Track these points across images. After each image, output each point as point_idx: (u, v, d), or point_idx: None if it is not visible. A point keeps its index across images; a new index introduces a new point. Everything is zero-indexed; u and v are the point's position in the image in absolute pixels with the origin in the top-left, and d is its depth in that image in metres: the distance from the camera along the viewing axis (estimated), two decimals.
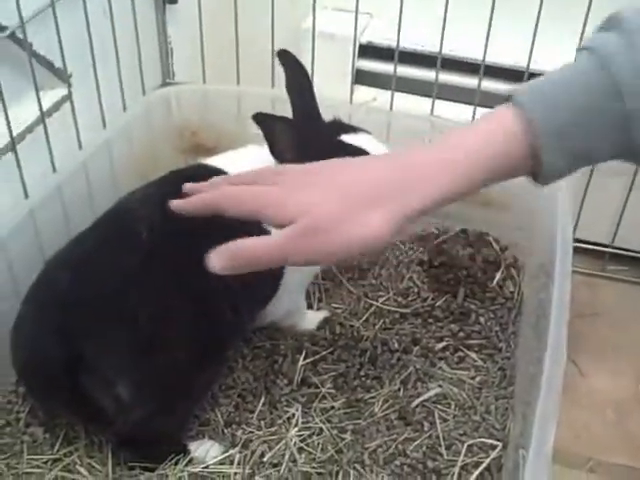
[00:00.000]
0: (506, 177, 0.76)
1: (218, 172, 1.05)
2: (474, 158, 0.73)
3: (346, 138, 1.06)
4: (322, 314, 1.25)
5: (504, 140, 0.73)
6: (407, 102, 1.49)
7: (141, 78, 1.47)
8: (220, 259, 0.73)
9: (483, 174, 0.74)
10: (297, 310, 1.21)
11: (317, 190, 0.76)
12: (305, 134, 1.03)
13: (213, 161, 1.12)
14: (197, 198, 0.79)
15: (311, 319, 1.24)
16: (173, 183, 1.06)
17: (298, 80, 1.07)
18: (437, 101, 1.43)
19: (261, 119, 1.00)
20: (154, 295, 0.96)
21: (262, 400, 1.12)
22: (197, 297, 0.98)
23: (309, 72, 1.42)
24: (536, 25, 1.29)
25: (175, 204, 0.79)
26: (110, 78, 1.38)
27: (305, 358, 1.17)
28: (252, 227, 0.87)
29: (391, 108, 1.45)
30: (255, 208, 0.76)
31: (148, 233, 0.98)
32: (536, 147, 0.72)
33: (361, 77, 1.54)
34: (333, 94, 1.50)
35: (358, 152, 1.03)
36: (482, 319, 1.26)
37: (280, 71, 1.46)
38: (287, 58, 1.08)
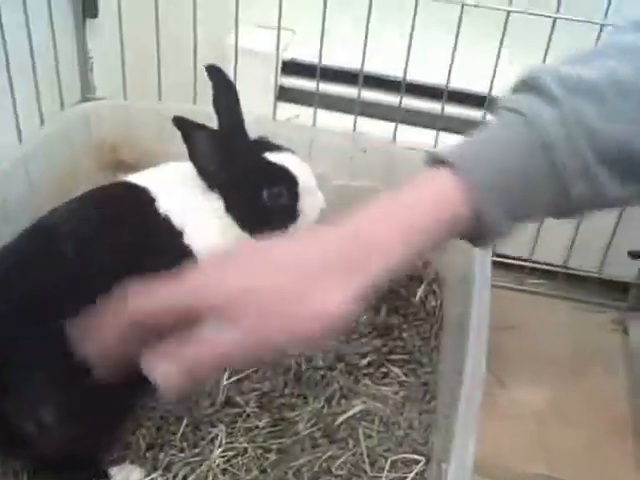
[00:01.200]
0: (447, 240, 0.75)
1: (142, 190, 1.04)
2: (423, 227, 0.72)
3: (270, 156, 1.05)
4: None
5: (448, 207, 0.72)
6: (330, 119, 1.50)
7: (59, 93, 1.44)
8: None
9: (431, 241, 0.72)
10: None
11: (249, 272, 0.69)
12: (228, 147, 1.02)
13: (136, 179, 1.10)
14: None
15: None
16: (97, 201, 1.05)
17: (225, 96, 1.07)
18: (360, 118, 1.44)
19: (182, 124, 0.98)
20: (76, 316, 0.93)
21: (185, 421, 1.10)
22: None
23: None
24: (455, 45, 1.32)
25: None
26: (28, 92, 1.35)
27: (229, 377, 1.16)
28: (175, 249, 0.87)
29: (314, 124, 1.46)
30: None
31: (73, 252, 0.96)
32: (480, 212, 0.72)
33: (284, 94, 1.54)
34: (256, 110, 1.49)
35: (280, 170, 1.03)
36: (405, 334, 1.28)
37: (202, 88, 1.47)
38: (215, 73, 1.07)
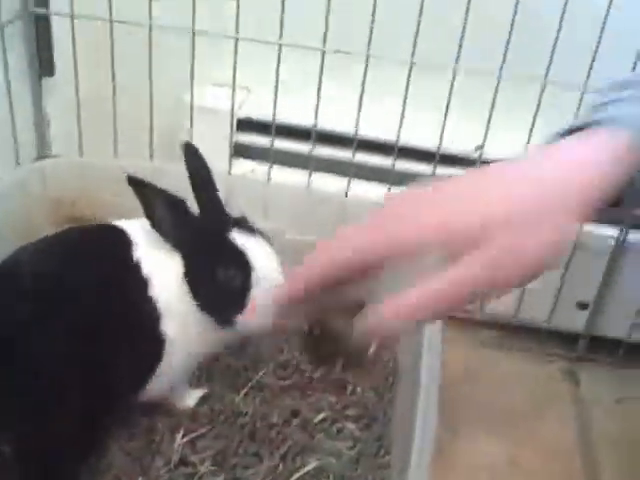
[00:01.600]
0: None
1: (122, 232, 1.06)
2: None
3: (236, 237, 1.02)
4: (200, 392, 1.24)
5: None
6: (285, 174, 1.52)
7: (15, 150, 1.45)
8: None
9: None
10: (176, 388, 1.20)
11: (480, 203, 0.71)
12: (187, 217, 1.03)
13: (120, 222, 1.10)
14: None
15: (189, 396, 1.23)
16: (73, 237, 1.08)
17: (199, 173, 1.07)
18: (315, 173, 1.47)
19: (137, 185, 1.00)
20: (44, 355, 0.94)
21: None
22: (88, 362, 0.97)
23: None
24: (404, 101, 1.36)
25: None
26: None
27: (183, 436, 1.16)
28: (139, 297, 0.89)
29: (269, 180, 1.48)
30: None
31: (45, 289, 0.97)
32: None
33: (240, 150, 1.56)
34: (213, 166, 1.51)
35: (238, 254, 1.01)
36: (359, 389, 1.29)
37: (158, 145, 1.50)
38: (189, 151, 1.08)
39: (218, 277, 1.01)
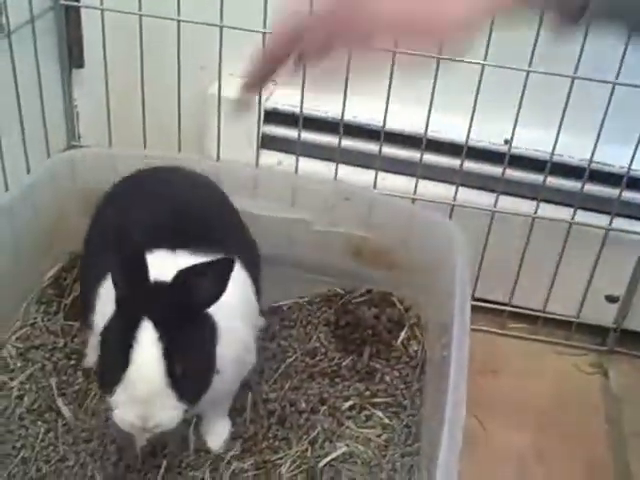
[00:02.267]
0: None
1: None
2: None
3: (143, 332, 0.93)
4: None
5: None
6: (312, 166, 1.53)
7: (46, 141, 1.46)
8: None
9: None
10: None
11: None
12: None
13: None
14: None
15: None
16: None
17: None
18: (341, 166, 1.48)
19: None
20: None
21: (164, 464, 1.10)
22: None
23: (216, 137, 1.46)
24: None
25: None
26: (15, 140, 1.37)
27: None
28: None
29: (296, 171, 1.49)
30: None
31: None
32: None
33: (267, 142, 1.57)
34: (240, 158, 1.53)
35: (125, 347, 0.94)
36: (387, 377, 1.29)
37: (186, 135, 1.50)
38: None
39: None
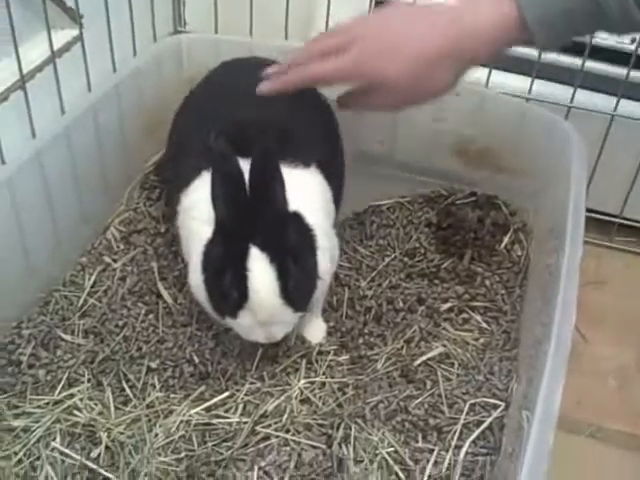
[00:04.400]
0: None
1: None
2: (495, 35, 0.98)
3: (254, 252, 0.97)
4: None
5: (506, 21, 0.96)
6: None
7: (152, 24, 1.45)
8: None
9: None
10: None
11: (389, 60, 0.99)
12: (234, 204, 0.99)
13: None
14: (285, 80, 1.06)
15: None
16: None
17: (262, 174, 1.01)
18: None
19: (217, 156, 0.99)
20: None
21: (260, 352, 1.11)
22: None
23: (324, 23, 1.41)
24: None
25: (263, 87, 1.07)
26: (122, 23, 1.36)
27: None
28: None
29: None
30: (339, 80, 1.04)
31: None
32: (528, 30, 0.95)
33: None
34: None
35: (239, 270, 0.98)
36: (488, 282, 1.26)
37: (293, 24, 1.46)
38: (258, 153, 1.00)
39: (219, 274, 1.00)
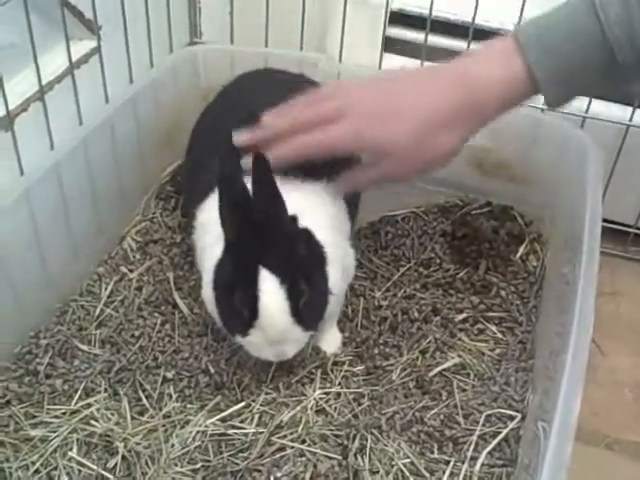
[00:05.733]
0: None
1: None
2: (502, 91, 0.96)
3: (263, 273, 0.97)
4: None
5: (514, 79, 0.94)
6: None
7: (169, 35, 1.46)
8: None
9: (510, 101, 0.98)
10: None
11: (390, 126, 0.95)
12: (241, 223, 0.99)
13: None
14: (277, 152, 0.98)
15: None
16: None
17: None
18: None
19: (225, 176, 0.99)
20: None
21: (274, 364, 1.11)
22: None
23: (339, 38, 1.42)
24: None
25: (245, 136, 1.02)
26: (138, 34, 1.37)
27: None
28: None
29: None
30: (338, 150, 0.99)
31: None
32: (538, 88, 0.94)
33: (391, 44, 1.52)
34: (362, 60, 1.48)
35: (250, 291, 0.99)
36: (503, 292, 1.25)
37: (309, 36, 1.47)
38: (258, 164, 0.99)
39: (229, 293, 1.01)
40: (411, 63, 1.49)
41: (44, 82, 1.16)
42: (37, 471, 0.96)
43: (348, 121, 0.97)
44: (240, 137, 1.03)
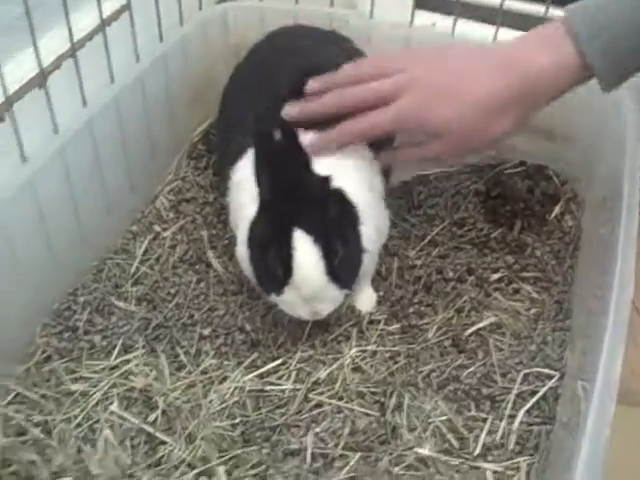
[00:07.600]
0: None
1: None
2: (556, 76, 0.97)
3: (298, 234, 0.98)
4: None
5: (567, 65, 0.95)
6: (468, 29, 1.44)
7: None
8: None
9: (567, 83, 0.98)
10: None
11: (450, 107, 0.97)
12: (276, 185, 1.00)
13: None
14: (328, 136, 1.02)
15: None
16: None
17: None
18: (502, 29, 1.38)
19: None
20: None
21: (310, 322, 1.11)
22: None
23: None
24: None
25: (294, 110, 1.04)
26: None
27: None
28: None
29: (452, 34, 1.41)
30: (395, 130, 1.05)
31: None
32: (589, 67, 0.94)
33: (422, 1, 1.49)
34: (393, 17, 1.46)
35: (285, 248, 0.99)
36: (538, 252, 1.24)
37: None
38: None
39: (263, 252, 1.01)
40: (443, 20, 1.46)
41: (75, 40, 1.15)
42: (79, 424, 0.97)
43: (409, 98, 0.98)
44: (289, 111, 1.04)
